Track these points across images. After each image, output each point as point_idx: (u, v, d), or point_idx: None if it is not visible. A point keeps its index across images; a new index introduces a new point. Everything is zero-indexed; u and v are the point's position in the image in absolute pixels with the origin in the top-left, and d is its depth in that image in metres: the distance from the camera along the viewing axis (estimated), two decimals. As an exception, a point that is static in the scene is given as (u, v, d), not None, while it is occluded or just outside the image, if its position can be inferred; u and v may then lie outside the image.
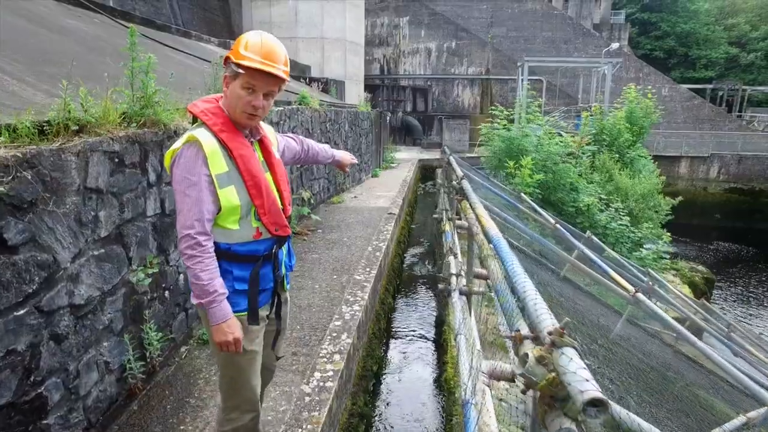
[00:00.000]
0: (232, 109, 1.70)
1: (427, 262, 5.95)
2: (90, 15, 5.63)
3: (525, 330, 1.19)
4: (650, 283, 5.76)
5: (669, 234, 9.52)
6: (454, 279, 3.01)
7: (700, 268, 14.60)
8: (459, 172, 3.74)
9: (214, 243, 1.67)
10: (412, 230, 7.71)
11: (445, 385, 2.86)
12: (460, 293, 2.92)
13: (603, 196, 9.97)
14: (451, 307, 2.90)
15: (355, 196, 8.79)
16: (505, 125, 11.13)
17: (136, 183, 2.55)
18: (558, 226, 5.93)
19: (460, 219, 6.56)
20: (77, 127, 2.14)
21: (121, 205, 2.44)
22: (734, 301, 15.98)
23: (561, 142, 9.92)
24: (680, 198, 11.63)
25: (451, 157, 5.05)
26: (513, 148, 10.01)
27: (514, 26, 26.54)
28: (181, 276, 3.00)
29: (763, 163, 22.23)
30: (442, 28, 26.48)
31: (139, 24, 6.06)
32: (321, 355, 3.06)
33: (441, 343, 3.41)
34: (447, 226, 4.74)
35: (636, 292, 3.33)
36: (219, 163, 1.64)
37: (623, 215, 9.58)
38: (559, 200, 9.67)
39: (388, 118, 17.30)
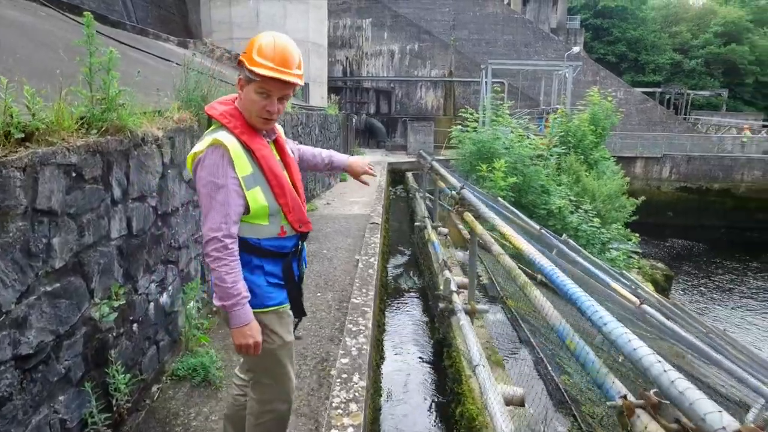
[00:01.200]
0: (248, 112, 1.70)
1: (411, 274, 5.58)
2: (35, 7, 5.04)
3: (630, 396, 0.94)
4: (632, 287, 5.73)
5: (637, 235, 9.68)
6: (456, 297, 2.75)
7: (660, 265, 15.10)
8: (454, 181, 3.46)
9: (244, 239, 1.70)
10: (391, 237, 7.43)
11: (465, 423, 2.53)
12: (466, 312, 2.67)
13: (572, 198, 10.06)
14: (458, 330, 2.64)
15: (327, 203, 8.43)
16: (475, 128, 11.08)
17: (98, 201, 2.14)
18: (543, 231, 5.83)
19: (443, 226, 6.39)
20: (22, 135, 1.73)
21: (80, 228, 2.02)
22: (691, 296, 16.67)
23: (530, 144, 9.94)
24: (643, 198, 11.94)
25: (434, 163, 4.81)
26: (484, 151, 9.95)
27: (476, 29, 26.84)
28: (152, 305, 2.60)
29: (709, 163, 23.38)
30: (405, 30, 26.43)
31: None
32: (334, 405, 2.47)
33: (443, 367, 3.10)
34: (432, 236, 4.51)
35: (641, 303, 3.19)
36: (244, 165, 1.65)
37: (592, 216, 9.69)
38: (530, 203, 9.66)
39: (354, 120, 17.01)
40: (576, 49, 21.42)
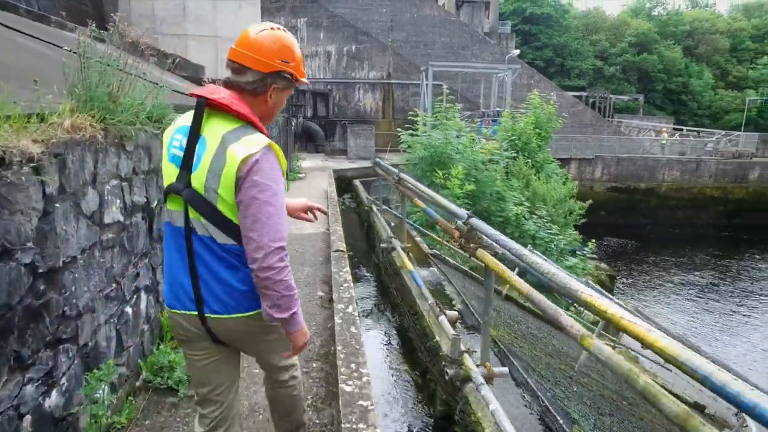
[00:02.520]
0: (269, 116, 1.71)
1: (383, 309, 4.63)
2: None
3: None
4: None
5: (593, 240, 9.61)
6: (469, 362, 2.08)
7: (603, 265, 15.49)
8: (451, 206, 2.74)
9: None
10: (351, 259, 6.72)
11: None
12: (484, 379, 2.02)
13: (526, 204, 9.84)
14: (478, 406, 1.97)
15: None
16: (424, 131, 10.59)
17: None
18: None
19: (410, 245, 5.76)
20: None
21: None
22: (632, 294, 17.31)
23: (483, 148, 9.59)
24: (590, 201, 12.04)
25: (405, 176, 4.12)
26: (436, 156, 9.46)
27: (414, 31, 26.66)
28: (26, 420, 1.66)
29: (636, 163, 24.71)
30: (342, 30, 25.70)
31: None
32: None
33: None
34: (407, 263, 3.82)
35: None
36: None
37: (546, 222, 9.51)
38: (485, 210, 9.29)
39: (293, 123, 16.00)
40: (516, 51, 21.79)
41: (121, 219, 2.41)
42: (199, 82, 9.81)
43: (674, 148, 26.99)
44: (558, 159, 22.81)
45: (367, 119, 26.15)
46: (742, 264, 21.72)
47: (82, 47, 2.06)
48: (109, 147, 2.26)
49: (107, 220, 2.24)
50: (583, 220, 11.55)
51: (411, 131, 10.54)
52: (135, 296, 2.59)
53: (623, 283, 18.17)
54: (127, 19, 16.40)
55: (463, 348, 2.16)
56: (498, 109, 20.10)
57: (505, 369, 2.17)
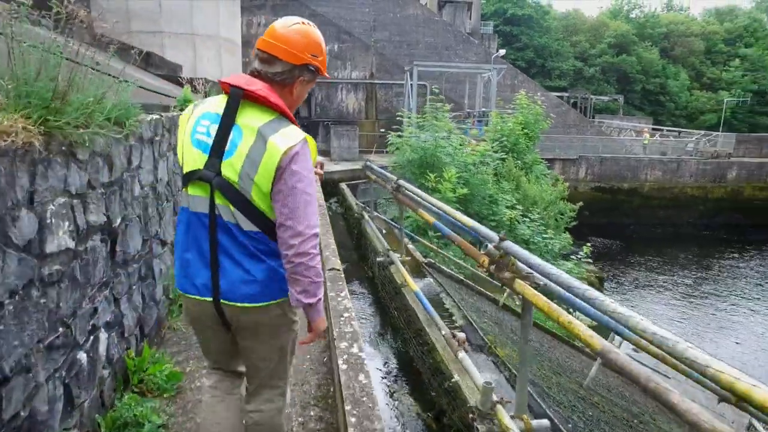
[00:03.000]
0: (291, 108, 1.69)
1: (385, 333, 4.09)
2: None
3: None
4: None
5: (589, 244, 9.35)
6: (503, 414, 1.69)
7: (591, 267, 15.35)
8: (479, 227, 2.26)
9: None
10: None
11: None
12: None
13: (519, 207, 9.54)
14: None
15: None
16: (412, 132, 10.21)
17: None
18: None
19: (410, 258, 5.35)
20: None
21: None
22: (620, 295, 17.25)
23: (473, 150, 9.26)
24: (581, 203, 11.84)
25: (405, 183, 3.69)
26: (426, 159, 9.10)
27: (397, 31, 26.30)
28: None
29: (619, 164, 24.82)
30: (324, 29, 24.89)
31: None
32: None
33: None
34: (410, 283, 3.42)
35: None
36: None
37: (539, 225, 9.22)
38: (477, 213, 8.96)
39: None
40: (502, 51, 21.61)
41: (72, 245, 1.94)
42: (176, 81, 9.24)
43: (654, 148, 27.25)
44: (543, 159, 22.92)
45: (350, 120, 25.69)
46: (723, 264, 21.97)
47: (10, 27, 1.59)
48: (53, 157, 1.80)
49: (50, 248, 1.77)
50: (574, 223, 11.33)
51: (398, 132, 10.15)
52: (91, 338, 2.12)
53: (610, 283, 18.12)
54: (102, 15, 15.56)
55: (495, 399, 1.76)
56: (484, 109, 19.87)
57: (546, 422, 1.78)
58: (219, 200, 1.57)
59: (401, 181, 3.64)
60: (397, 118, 10.88)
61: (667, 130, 33.79)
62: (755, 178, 25.38)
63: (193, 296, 1.65)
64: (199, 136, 1.60)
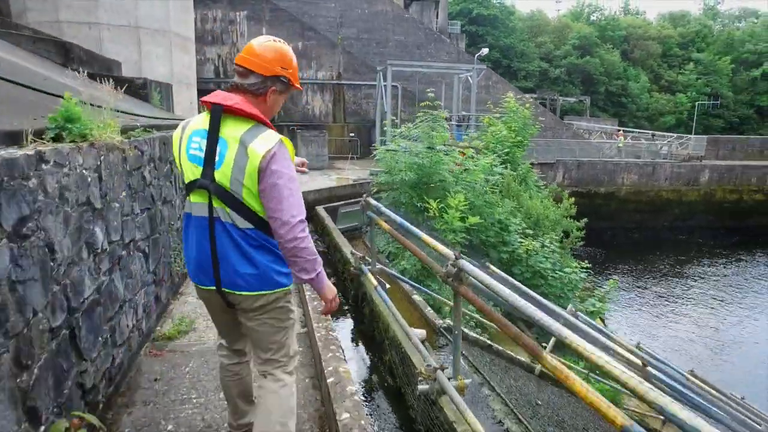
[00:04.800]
0: (269, 115, 1.95)
1: None
2: None
3: None
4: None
5: (616, 278, 8.05)
6: None
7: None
8: (544, 318, 0.99)
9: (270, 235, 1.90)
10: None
11: None
12: None
13: (529, 231, 8.18)
14: None
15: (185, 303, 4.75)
16: (401, 144, 8.67)
17: None
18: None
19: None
20: None
21: None
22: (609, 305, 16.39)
23: (459, 163, 7.80)
24: (585, 220, 10.67)
25: (465, 263, 2.27)
26: (424, 177, 7.58)
27: (365, 28, 24.72)
28: None
29: (596, 167, 24.24)
30: (286, 26, 23.30)
31: None
32: None
33: None
34: (448, 408, 1.97)
35: None
36: None
37: (551, 251, 7.90)
38: (483, 244, 7.51)
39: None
40: (485, 50, 20.40)
41: None
42: (116, 81, 7.30)
43: (628, 150, 26.97)
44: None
45: (317, 123, 23.93)
46: (698, 270, 21.69)
47: None
48: None
49: None
50: (581, 243, 10.12)
51: (385, 145, 8.59)
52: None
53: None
54: (22, 4, 12.98)
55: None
56: (464, 113, 18.60)
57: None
58: (216, 204, 1.83)
59: (465, 264, 2.11)
60: (384, 128, 9.29)
61: (638, 133, 33.82)
62: (726, 180, 25.46)
63: (201, 286, 1.97)
64: (193, 151, 1.87)
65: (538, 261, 7.00)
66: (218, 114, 1.81)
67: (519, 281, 6.89)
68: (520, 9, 56.19)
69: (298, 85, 2.01)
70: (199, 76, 20.96)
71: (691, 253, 23.18)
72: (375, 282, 3.66)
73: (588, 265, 8.19)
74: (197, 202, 1.85)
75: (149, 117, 4.60)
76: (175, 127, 5.46)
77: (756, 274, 21.02)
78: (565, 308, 6.71)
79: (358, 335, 4.36)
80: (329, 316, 3.35)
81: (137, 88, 6.59)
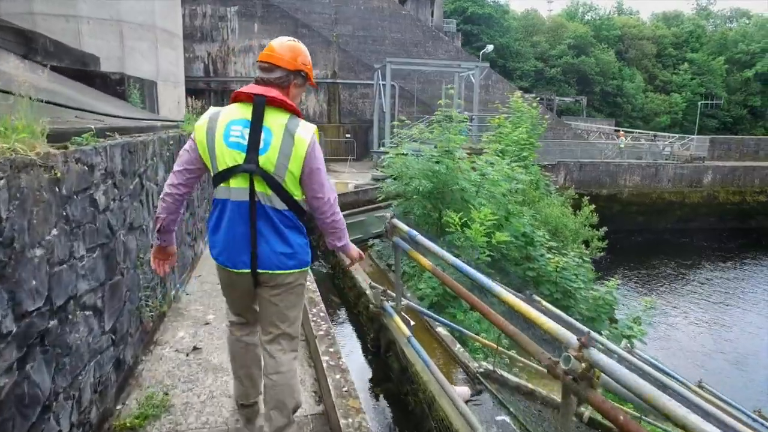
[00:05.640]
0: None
1: None
2: None
3: None
4: None
5: (653, 299, 7.26)
6: None
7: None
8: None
9: (302, 209, 2.10)
10: None
11: None
12: None
13: (553, 243, 7.40)
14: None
15: (195, 345, 3.53)
16: (406, 146, 7.86)
17: None
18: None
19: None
20: None
21: None
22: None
23: (502, 170, 7.00)
24: (605, 229, 9.95)
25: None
26: (440, 186, 6.76)
27: (361, 25, 23.87)
28: None
29: (598, 169, 23.65)
30: (279, 22, 22.40)
31: None
32: None
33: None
34: None
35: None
36: None
37: (583, 264, 7.12)
38: (503, 258, 6.69)
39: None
40: (490, 47, 19.63)
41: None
42: (85, 76, 6.40)
43: (630, 151, 26.42)
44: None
45: (311, 124, 23.05)
46: (703, 275, 21.11)
47: None
48: None
49: None
50: (601, 254, 9.38)
51: (395, 149, 7.77)
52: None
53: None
54: None
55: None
56: (468, 113, 17.83)
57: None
58: (259, 187, 1.98)
59: (599, 357, 1.31)
60: (394, 129, 8.48)
61: (638, 133, 33.34)
62: (728, 182, 25.00)
63: (234, 270, 2.06)
64: (234, 139, 1.97)
65: (567, 279, 6.22)
66: (262, 104, 1.96)
67: (549, 303, 6.10)
68: (514, 8, 55.72)
69: (313, 82, 2.18)
70: (188, 75, 20.00)
71: (695, 258, 22.63)
72: (407, 331, 2.85)
73: (607, 277, 7.45)
74: (237, 187, 1.97)
75: (122, 117, 3.74)
76: (153, 129, 4.53)
77: (763, 279, 20.50)
78: (600, 332, 5.93)
79: (381, 393, 3.54)
80: (352, 395, 2.52)
81: (113, 85, 5.71)
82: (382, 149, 11.54)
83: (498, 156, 9.11)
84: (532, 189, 9.45)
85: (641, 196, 24.10)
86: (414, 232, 2.79)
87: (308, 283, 4.09)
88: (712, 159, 27.46)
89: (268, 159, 1.92)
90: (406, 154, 7.49)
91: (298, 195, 2.01)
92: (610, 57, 48.61)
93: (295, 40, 2.11)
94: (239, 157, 1.93)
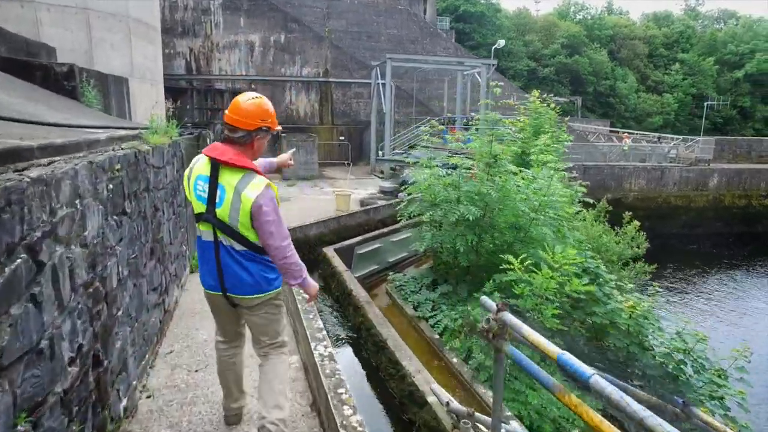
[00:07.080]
0: (254, 156, 2.51)
1: None
2: None
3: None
4: None
5: (749, 348, 5.90)
6: None
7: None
8: None
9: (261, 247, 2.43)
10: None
11: None
12: None
13: (612, 276, 6.08)
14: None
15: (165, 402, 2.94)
16: (439, 158, 6.49)
17: None
18: None
19: None
20: None
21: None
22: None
23: (560, 187, 5.65)
24: (647, 245, 8.73)
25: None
26: (487, 213, 5.36)
27: (355, 20, 22.45)
28: None
29: (603, 172, 22.65)
30: (267, 16, 20.90)
31: None
32: None
33: None
34: None
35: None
36: None
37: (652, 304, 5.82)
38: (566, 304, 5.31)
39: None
40: (501, 42, 18.39)
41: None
42: (21, 67, 4.85)
43: (634, 154, 25.49)
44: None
45: (302, 125, 21.57)
46: (711, 284, 20.18)
47: None
48: None
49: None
50: (646, 277, 8.14)
51: (414, 159, 6.38)
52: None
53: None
54: None
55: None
56: (473, 114, 16.56)
57: None
58: (219, 233, 2.39)
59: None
60: (422, 129, 7.08)
61: (640, 135, 32.54)
62: (734, 185, 24.23)
63: (212, 292, 2.52)
64: (199, 192, 2.40)
65: (643, 329, 4.91)
66: (217, 165, 2.35)
67: (620, 365, 4.86)
68: (505, 7, 54.70)
69: (278, 128, 2.53)
70: (168, 73, 18.38)
71: (703, 265, 21.75)
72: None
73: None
74: (205, 230, 2.44)
75: (40, 124, 2.29)
76: (93, 145, 3.05)
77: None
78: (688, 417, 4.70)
79: None
80: None
81: (59, 79, 4.24)
82: (388, 157, 10.18)
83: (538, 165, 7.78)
84: (569, 204, 8.17)
85: (646, 201, 23.19)
86: (576, 363, 1.43)
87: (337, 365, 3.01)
88: (714, 161, 26.73)
89: (223, 211, 2.33)
90: (430, 167, 6.12)
91: (254, 238, 2.37)
92: (603, 57, 47.98)
93: (259, 96, 2.45)
94: (202, 208, 2.39)
